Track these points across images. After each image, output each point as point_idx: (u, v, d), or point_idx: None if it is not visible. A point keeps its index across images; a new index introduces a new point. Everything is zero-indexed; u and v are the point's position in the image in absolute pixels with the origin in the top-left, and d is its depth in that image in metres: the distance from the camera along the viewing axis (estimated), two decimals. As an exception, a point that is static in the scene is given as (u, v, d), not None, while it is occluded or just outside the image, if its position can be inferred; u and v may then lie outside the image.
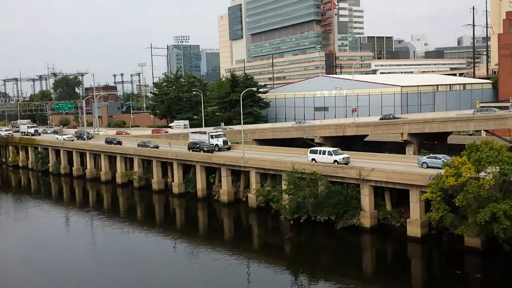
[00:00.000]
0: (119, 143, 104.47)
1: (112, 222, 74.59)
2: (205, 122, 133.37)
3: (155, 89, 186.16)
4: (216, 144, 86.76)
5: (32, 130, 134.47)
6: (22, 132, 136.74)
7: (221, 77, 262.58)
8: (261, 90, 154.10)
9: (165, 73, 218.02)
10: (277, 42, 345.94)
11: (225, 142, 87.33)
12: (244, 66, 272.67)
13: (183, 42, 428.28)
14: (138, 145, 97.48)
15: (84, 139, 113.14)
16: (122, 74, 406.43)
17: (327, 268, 52.91)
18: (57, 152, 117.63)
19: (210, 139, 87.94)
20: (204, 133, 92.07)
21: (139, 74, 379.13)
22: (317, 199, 64.35)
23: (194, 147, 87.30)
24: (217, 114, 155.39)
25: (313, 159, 68.68)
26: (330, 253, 58.45)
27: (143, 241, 65.27)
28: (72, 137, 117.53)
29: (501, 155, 48.00)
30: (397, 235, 59.21)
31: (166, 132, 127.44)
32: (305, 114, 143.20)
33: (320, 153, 68.77)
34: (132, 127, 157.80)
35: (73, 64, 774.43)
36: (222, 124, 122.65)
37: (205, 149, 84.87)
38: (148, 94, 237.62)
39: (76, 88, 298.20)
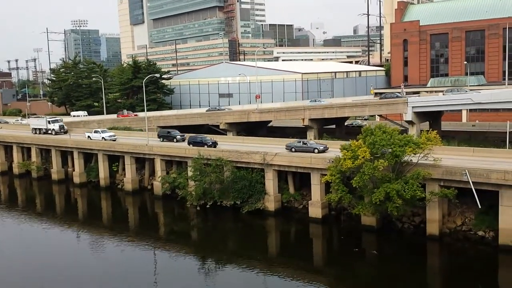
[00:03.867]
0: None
1: (9, 215, 70.74)
2: (107, 109, 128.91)
3: (52, 75, 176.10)
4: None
5: (57, 126, 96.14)
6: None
7: (122, 63, 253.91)
8: (164, 76, 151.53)
9: (63, 59, 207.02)
10: (180, 27, 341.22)
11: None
12: (147, 52, 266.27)
13: (81, 26, 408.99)
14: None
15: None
16: (16, 60, 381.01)
17: (233, 252, 53.83)
18: None
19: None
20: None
21: (35, 60, 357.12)
22: (223, 185, 65.05)
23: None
24: (119, 101, 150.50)
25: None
26: (236, 237, 59.48)
27: (43, 233, 62.45)
28: None
29: (393, 138, 51.30)
30: (300, 216, 61.56)
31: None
32: (209, 101, 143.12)
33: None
34: (28, 115, 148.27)
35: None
36: (124, 111, 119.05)
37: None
38: (45, 80, 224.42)
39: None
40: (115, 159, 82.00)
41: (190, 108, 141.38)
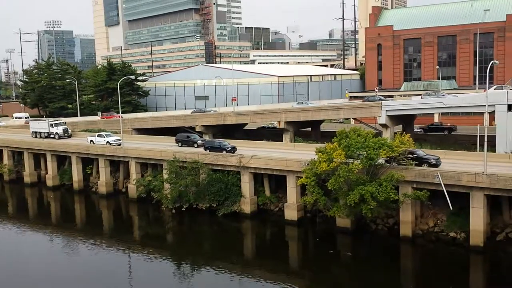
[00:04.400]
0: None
1: (-24, 220, 68.73)
2: (81, 112, 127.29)
3: (25, 76, 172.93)
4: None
5: (60, 130, 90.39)
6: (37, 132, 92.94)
7: (97, 64, 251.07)
8: (140, 78, 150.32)
9: (36, 60, 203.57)
10: (156, 29, 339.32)
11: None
12: (122, 54, 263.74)
13: (55, 27, 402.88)
14: None
15: None
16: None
17: (209, 255, 53.70)
18: None
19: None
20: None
21: (7, 60, 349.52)
22: (198, 187, 64.85)
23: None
24: (94, 103, 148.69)
25: None
26: (212, 239, 59.37)
27: (16, 236, 61.16)
28: None
29: (368, 141, 52.01)
30: (276, 219, 61.77)
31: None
32: (185, 103, 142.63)
33: None
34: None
35: None
36: (99, 113, 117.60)
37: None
38: (18, 82, 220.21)
39: None
40: (89, 161, 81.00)
41: (166, 110, 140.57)
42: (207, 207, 63.91)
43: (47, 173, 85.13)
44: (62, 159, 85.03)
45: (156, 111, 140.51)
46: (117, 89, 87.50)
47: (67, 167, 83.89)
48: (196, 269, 49.51)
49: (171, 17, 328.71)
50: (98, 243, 57.48)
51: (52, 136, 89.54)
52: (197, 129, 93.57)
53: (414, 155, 53.48)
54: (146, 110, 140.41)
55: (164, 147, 73.08)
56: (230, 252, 53.78)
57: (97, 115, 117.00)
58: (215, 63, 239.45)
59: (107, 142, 78.83)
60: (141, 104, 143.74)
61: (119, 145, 76.69)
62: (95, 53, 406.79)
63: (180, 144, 75.66)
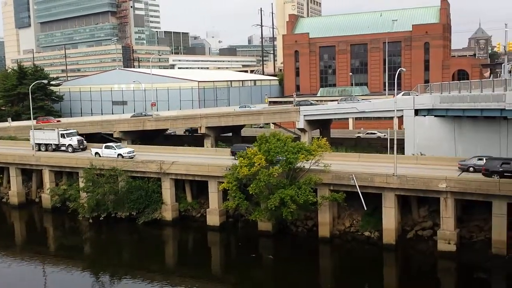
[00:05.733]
0: None
1: None
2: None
3: None
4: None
5: (75, 141, 77.34)
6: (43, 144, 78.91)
7: (6, 68, 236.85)
8: (53, 82, 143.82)
9: None
10: (70, 32, 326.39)
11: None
12: (33, 57, 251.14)
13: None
14: None
15: None
16: None
17: (130, 264, 52.46)
18: None
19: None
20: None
21: None
22: (117, 196, 63.10)
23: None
24: (3, 108, 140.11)
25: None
26: (133, 249, 58.03)
27: None
28: None
29: (287, 146, 53.34)
30: (198, 225, 61.52)
31: None
32: (102, 108, 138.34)
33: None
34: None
35: None
36: (9, 119, 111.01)
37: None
38: None
39: None
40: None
41: (81, 116, 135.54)
42: (127, 216, 62.38)
43: (-50, 184, 79.16)
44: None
45: (71, 117, 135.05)
46: (29, 94, 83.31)
47: (-27, 177, 78.50)
48: (116, 280, 48.14)
49: (86, 20, 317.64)
50: (10, 256, 54.37)
51: (63, 148, 76.31)
52: (114, 135, 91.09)
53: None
54: (60, 116, 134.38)
55: (81, 154, 70.51)
56: (151, 261, 52.84)
57: (7, 121, 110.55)
58: (133, 67, 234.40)
59: (119, 154, 68.15)
60: (54, 109, 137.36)
61: (132, 157, 67.74)
62: (4, 56, 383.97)
63: (235, 157, 58.84)
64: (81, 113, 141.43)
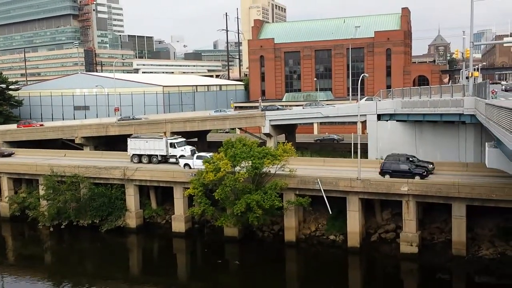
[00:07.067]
0: None
1: None
2: None
3: None
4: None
5: (188, 151, 66.47)
6: None
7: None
8: (11, 87, 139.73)
9: None
10: (30, 35, 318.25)
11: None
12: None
13: None
14: None
15: None
16: None
17: (92, 274, 51.26)
18: None
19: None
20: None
21: None
22: (79, 203, 61.74)
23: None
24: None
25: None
26: (96, 257, 56.76)
27: None
28: None
29: (253, 151, 53.33)
30: (163, 232, 60.78)
31: None
32: (63, 113, 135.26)
33: None
34: None
35: None
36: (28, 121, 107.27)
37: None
38: None
39: None
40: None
41: (41, 121, 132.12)
42: (89, 223, 61.06)
43: None
44: None
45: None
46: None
47: None
48: (79, 289, 47.01)
49: (47, 23, 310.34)
50: (-35, 268, 52.33)
51: (173, 160, 66.09)
52: (76, 141, 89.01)
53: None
54: (19, 121, 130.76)
55: (40, 161, 68.67)
56: (115, 269, 51.88)
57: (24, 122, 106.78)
58: (96, 71, 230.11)
59: (185, 165, 62.21)
60: (13, 114, 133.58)
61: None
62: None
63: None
64: (42, 118, 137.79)
